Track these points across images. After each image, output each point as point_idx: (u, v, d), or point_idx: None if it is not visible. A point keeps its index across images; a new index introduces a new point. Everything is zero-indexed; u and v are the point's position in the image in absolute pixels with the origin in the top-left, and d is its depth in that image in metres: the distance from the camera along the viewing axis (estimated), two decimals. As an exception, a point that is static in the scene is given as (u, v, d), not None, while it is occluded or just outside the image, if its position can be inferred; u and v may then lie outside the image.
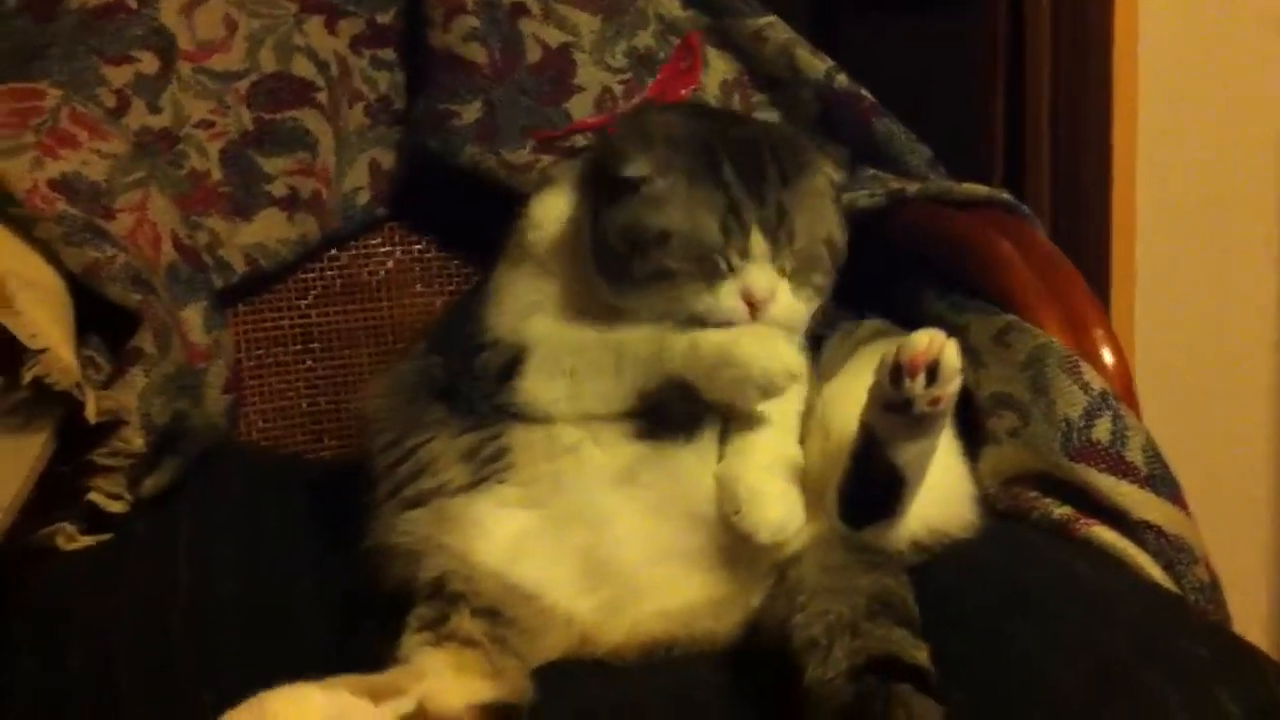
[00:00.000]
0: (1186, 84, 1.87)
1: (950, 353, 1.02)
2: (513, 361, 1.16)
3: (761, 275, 1.11)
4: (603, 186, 1.15)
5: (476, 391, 1.16)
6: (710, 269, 1.11)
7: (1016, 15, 1.90)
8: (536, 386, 1.15)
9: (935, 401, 1.03)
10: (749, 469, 1.11)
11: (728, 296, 1.11)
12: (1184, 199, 1.91)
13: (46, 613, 1.12)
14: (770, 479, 1.10)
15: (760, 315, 1.11)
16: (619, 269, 1.13)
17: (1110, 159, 1.82)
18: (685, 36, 1.51)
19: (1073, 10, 1.84)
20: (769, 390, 1.09)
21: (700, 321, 1.12)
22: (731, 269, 1.11)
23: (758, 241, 1.11)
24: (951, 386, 1.03)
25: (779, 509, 1.09)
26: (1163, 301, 1.91)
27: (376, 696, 0.96)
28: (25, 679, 1.06)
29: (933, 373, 1.02)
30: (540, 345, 1.16)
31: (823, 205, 1.16)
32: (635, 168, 1.13)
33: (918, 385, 1.02)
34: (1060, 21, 1.85)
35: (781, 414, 1.15)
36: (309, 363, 1.54)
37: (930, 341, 1.02)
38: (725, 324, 1.11)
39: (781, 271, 1.13)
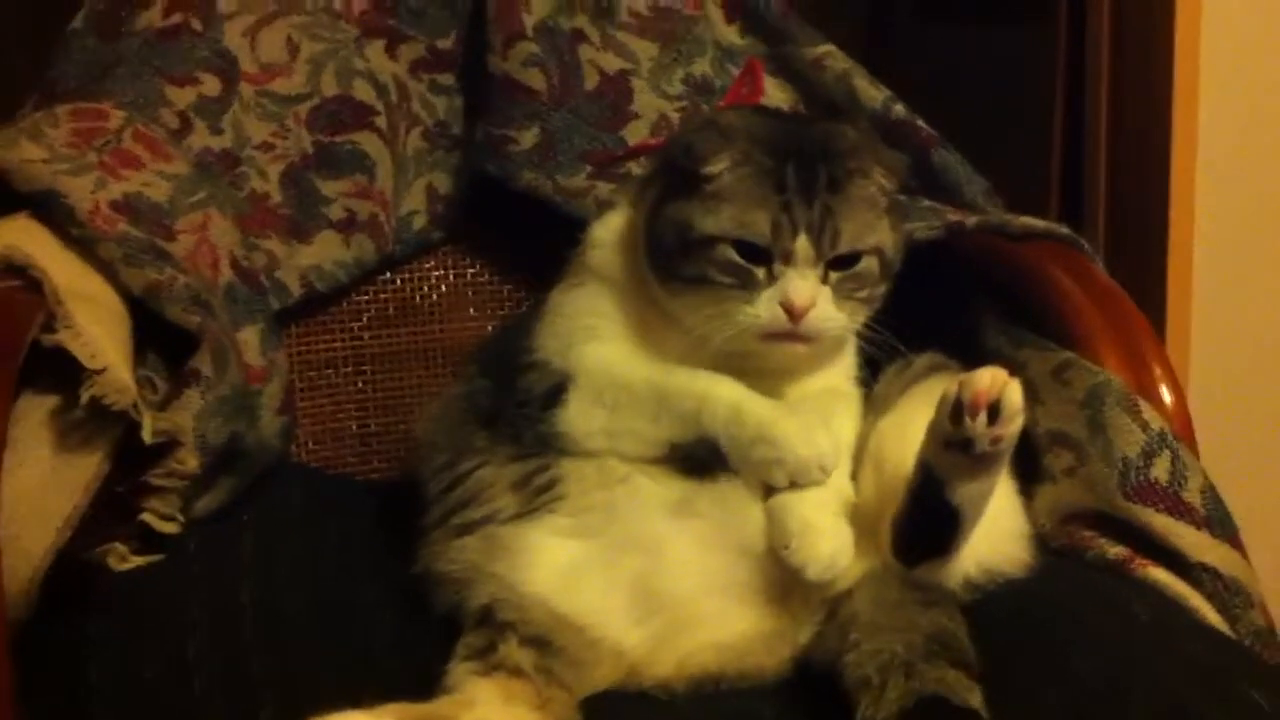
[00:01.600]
0: (1251, 103, 1.85)
1: (1013, 392, 1.01)
2: (557, 388, 1.16)
3: (802, 282, 1.10)
4: (671, 182, 1.15)
5: (520, 417, 1.17)
6: (748, 279, 1.10)
7: (1078, 29, 1.89)
8: (577, 417, 1.15)
9: (996, 440, 1.02)
10: (800, 503, 1.10)
11: (767, 306, 1.10)
12: (1244, 219, 1.89)
13: (122, 617, 1.13)
14: (821, 513, 1.09)
15: (799, 323, 1.10)
16: (668, 266, 1.13)
17: (1169, 178, 1.80)
18: (748, 61, 1.51)
19: (1135, 25, 1.83)
20: (798, 477, 1.10)
21: (743, 336, 1.11)
22: (773, 277, 1.10)
23: (804, 244, 1.10)
24: (1013, 426, 1.02)
25: (830, 544, 1.08)
26: (1220, 325, 1.89)
27: (425, 725, 0.96)
28: (104, 679, 1.07)
29: (994, 411, 1.01)
30: (586, 375, 1.16)
31: (872, 214, 1.15)
32: (715, 163, 1.12)
33: (979, 424, 1.01)
34: (1122, 37, 1.84)
35: None
36: (360, 384, 1.54)
37: (993, 380, 1.01)
38: (767, 336, 1.11)
39: (823, 280, 1.12)
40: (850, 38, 1.62)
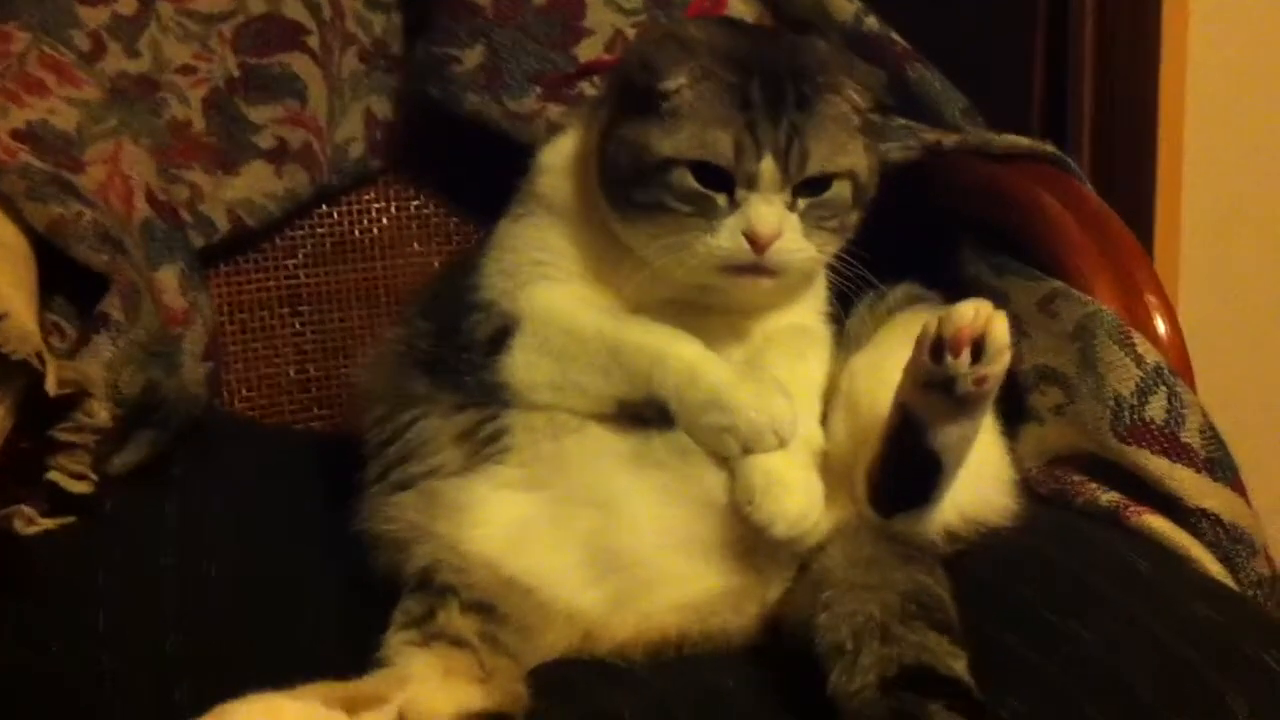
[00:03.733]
0: (1246, 18, 1.78)
1: (999, 326, 0.95)
2: (503, 332, 1.09)
3: (767, 209, 1.03)
4: (626, 100, 1.07)
5: (463, 363, 1.10)
6: (708, 207, 1.03)
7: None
8: (522, 367, 1.08)
9: (981, 380, 0.96)
10: (765, 454, 1.03)
11: (729, 236, 1.03)
12: (1237, 145, 1.83)
13: (27, 585, 1.06)
14: (788, 465, 1.03)
15: (764, 254, 1.03)
16: (622, 192, 1.06)
17: (1157, 106, 1.73)
18: None
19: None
20: (751, 446, 1.03)
21: (703, 269, 1.04)
22: (735, 204, 1.03)
23: (769, 166, 1.03)
24: (999, 364, 0.96)
25: (797, 499, 1.01)
26: (1209, 258, 1.83)
27: (353, 707, 0.89)
28: (5, 654, 1.00)
29: (978, 348, 0.96)
30: (534, 319, 1.09)
31: (844, 133, 1.07)
32: (673, 78, 1.04)
33: (962, 362, 0.96)
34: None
35: (802, 390, 1.07)
36: (297, 327, 1.48)
37: (976, 313, 0.95)
38: (729, 269, 1.04)
39: (790, 206, 1.04)
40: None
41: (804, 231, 1.05)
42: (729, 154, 1.02)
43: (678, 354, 1.05)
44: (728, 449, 1.03)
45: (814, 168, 1.04)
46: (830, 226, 1.06)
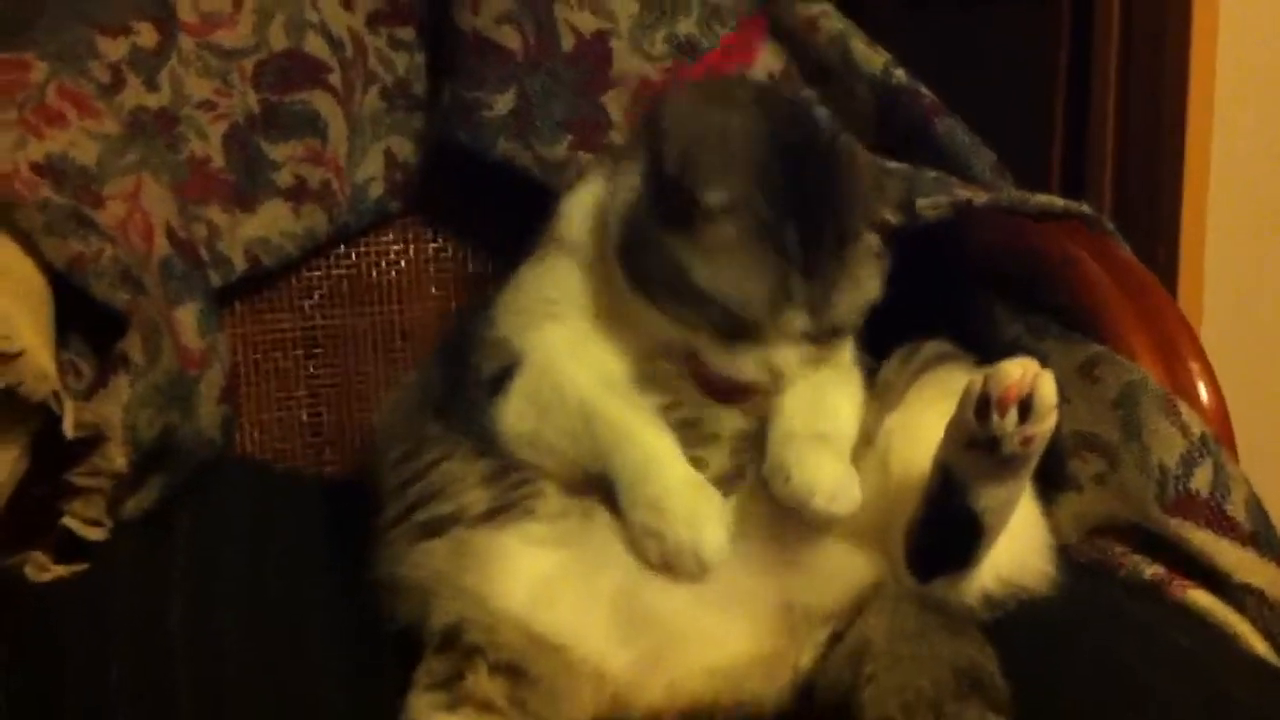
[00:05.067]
0: (1270, 77, 1.77)
1: (1046, 385, 0.94)
2: (506, 371, 1.09)
3: (793, 355, 1.04)
4: (662, 197, 1.04)
5: (472, 405, 1.09)
6: (735, 335, 1.03)
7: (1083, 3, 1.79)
8: (512, 415, 1.08)
9: (1027, 441, 0.95)
10: (801, 440, 1.03)
11: (752, 367, 1.04)
12: (1261, 206, 1.81)
13: (39, 637, 1.04)
14: (825, 447, 1.02)
15: (775, 387, 1.05)
16: (649, 286, 1.06)
17: (1182, 167, 1.72)
18: (743, 20, 1.42)
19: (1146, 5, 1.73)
20: (666, 560, 1.01)
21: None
22: (762, 340, 1.04)
23: (800, 321, 1.03)
24: (1047, 424, 0.95)
25: (833, 470, 1.00)
26: (1234, 318, 1.82)
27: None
28: (16, 708, 0.99)
29: (1025, 408, 0.94)
30: (533, 363, 1.08)
31: (867, 272, 1.07)
32: (715, 195, 1.02)
33: (1008, 422, 0.94)
34: (1132, 12, 1.74)
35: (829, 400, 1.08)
36: (312, 369, 1.45)
37: (1024, 372, 0.94)
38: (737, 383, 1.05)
39: (809, 342, 1.05)
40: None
41: (814, 362, 1.06)
42: (764, 309, 1.02)
43: (643, 442, 1.04)
44: (648, 553, 1.02)
45: (841, 319, 1.05)
46: (838, 348, 1.08)
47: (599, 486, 1.05)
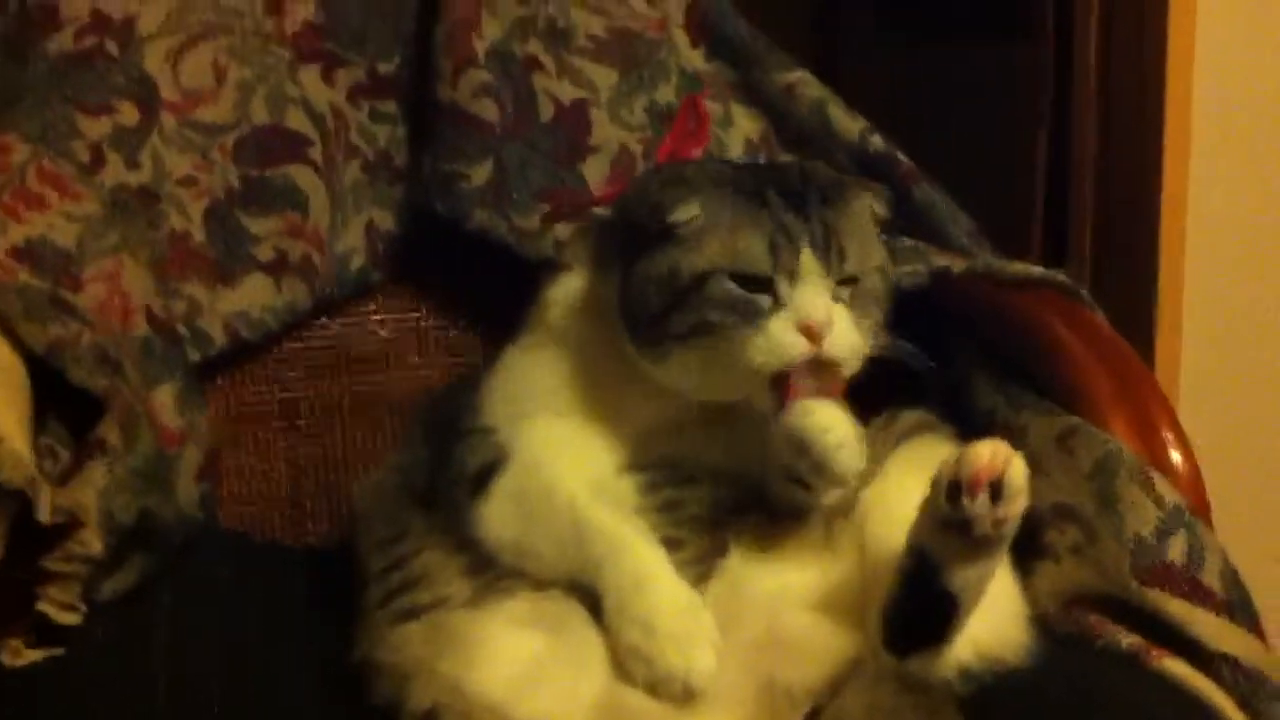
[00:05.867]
0: (1245, 127, 1.77)
1: (1016, 469, 0.94)
2: (492, 466, 1.07)
3: (817, 296, 1.02)
4: (637, 243, 1.06)
5: (453, 501, 1.08)
6: (753, 310, 1.01)
7: (1062, 46, 1.79)
8: (494, 518, 1.06)
9: (999, 523, 0.95)
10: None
11: (782, 331, 1.01)
12: (1236, 253, 1.81)
13: None
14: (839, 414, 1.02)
15: (823, 345, 1.01)
16: (656, 329, 1.04)
17: (1159, 210, 1.72)
18: (686, 98, 1.40)
19: (1125, 44, 1.74)
20: (654, 683, 0.98)
21: (757, 383, 1.02)
22: (779, 301, 1.02)
23: (808, 258, 1.02)
24: (1017, 505, 0.95)
25: (849, 429, 1.00)
26: (1212, 375, 1.81)
27: None
28: None
29: (996, 490, 0.93)
30: (520, 462, 1.07)
31: (869, 231, 1.08)
32: (684, 211, 1.03)
33: (979, 504, 0.94)
34: (1111, 56, 1.75)
35: None
36: (292, 441, 1.44)
37: (993, 455, 0.94)
38: (784, 370, 1.01)
39: (835, 296, 1.03)
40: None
41: (852, 320, 1.04)
42: (764, 255, 1.02)
43: (635, 556, 1.02)
44: (634, 673, 0.99)
45: (852, 261, 1.04)
46: (866, 325, 1.05)
47: (585, 592, 1.03)
